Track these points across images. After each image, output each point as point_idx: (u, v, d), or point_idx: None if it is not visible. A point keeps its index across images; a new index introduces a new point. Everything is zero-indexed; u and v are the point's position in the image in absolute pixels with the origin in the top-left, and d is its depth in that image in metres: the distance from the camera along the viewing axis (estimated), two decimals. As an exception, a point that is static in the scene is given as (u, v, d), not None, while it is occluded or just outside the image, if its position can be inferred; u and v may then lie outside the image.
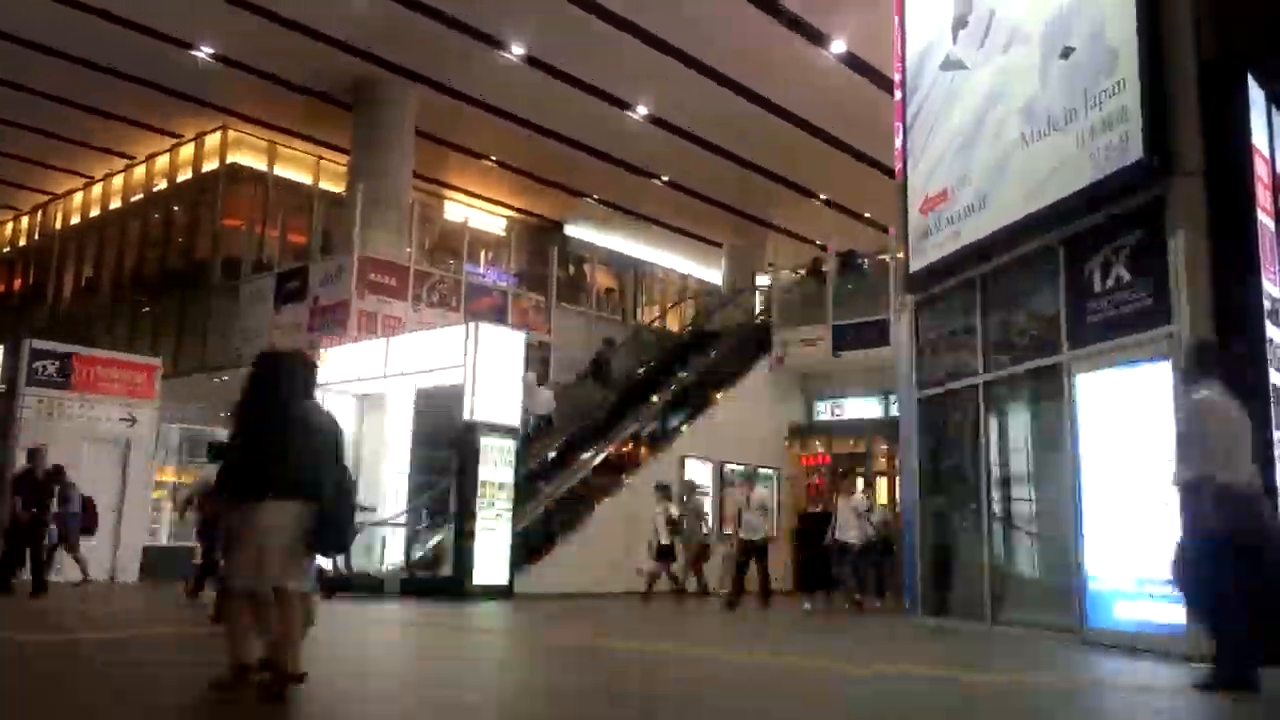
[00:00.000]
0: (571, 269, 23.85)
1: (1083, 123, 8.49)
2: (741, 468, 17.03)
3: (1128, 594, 7.88)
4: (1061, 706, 5.46)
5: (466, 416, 13.10)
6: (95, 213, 26.38)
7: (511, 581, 13.13)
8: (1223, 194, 7.60)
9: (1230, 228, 7.56)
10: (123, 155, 24.22)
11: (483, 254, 24.44)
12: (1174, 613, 7.39)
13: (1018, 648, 8.15)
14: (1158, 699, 5.77)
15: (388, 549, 14.62)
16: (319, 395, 5.24)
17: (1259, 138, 7.82)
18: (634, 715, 4.90)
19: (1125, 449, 8.04)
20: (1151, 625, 7.61)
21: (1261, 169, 7.78)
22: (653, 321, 23.76)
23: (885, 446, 17.62)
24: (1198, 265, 7.50)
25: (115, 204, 25.70)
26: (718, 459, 17.28)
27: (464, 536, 12.75)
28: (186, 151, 23.37)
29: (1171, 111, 7.76)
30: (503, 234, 25.71)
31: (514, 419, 13.68)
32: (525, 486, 14.55)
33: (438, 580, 13.38)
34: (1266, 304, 7.46)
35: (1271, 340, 7.44)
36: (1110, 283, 8.33)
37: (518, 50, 17.66)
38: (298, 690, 4.56)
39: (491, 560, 12.93)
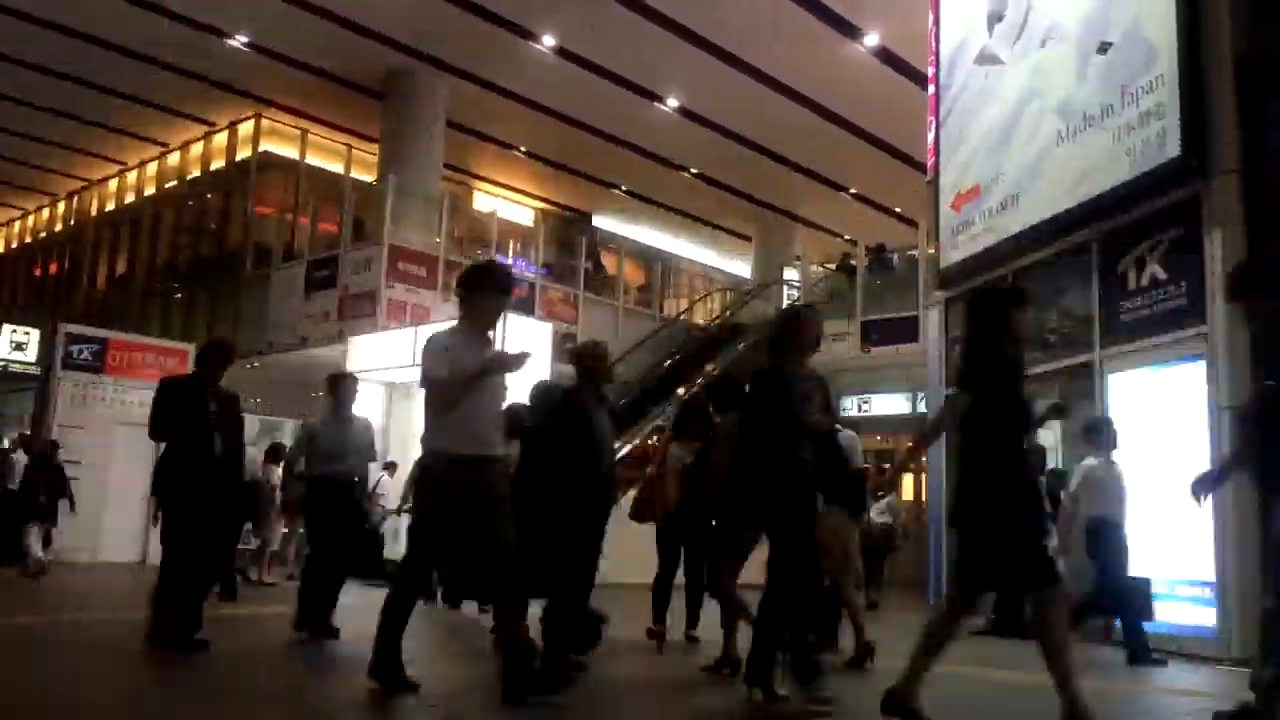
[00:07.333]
0: (602, 262, 23.78)
1: (1119, 119, 8.40)
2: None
3: (1159, 595, 7.81)
4: (1102, 708, 5.40)
5: (494, 406, 13.13)
6: (129, 200, 26.66)
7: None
8: (1261, 192, 7.50)
9: (1268, 226, 7.46)
10: (157, 143, 24.46)
11: (511, 244, 24.48)
12: (1205, 614, 7.34)
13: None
14: (1200, 702, 5.73)
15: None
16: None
17: (1299, 135, 7.71)
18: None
19: (1157, 449, 7.97)
20: (1183, 627, 7.55)
21: (1301, 167, 7.68)
22: (680, 315, 23.72)
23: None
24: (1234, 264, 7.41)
25: (149, 191, 25.96)
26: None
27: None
28: (220, 139, 23.58)
29: (1210, 108, 7.68)
30: (531, 225, 25.74)
31: (541, 409, 13.69)
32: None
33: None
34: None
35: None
36: (1145, 281, 8.26)
37: (548, 41, 17.66)
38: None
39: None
